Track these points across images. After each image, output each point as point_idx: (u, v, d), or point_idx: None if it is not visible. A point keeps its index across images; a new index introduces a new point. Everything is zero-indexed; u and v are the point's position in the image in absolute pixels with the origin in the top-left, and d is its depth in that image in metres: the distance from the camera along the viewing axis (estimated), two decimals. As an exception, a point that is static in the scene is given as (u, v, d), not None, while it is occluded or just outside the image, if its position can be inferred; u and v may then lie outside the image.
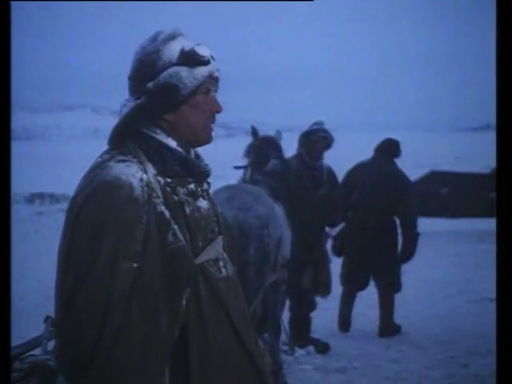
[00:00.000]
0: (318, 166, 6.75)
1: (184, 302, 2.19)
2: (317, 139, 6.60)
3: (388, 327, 7.37)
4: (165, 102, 2.26)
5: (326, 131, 6.66)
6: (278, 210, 5.45)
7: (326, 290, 6.72)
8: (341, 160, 13.84)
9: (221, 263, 2.36)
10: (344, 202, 7.36)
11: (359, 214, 7.44)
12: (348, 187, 7.46)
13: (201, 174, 2.33)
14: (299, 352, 6.53)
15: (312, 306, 6.80)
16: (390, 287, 7.48)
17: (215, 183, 2.52)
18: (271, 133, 5.95)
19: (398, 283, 7.52)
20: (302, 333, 6.75)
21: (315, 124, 6.69)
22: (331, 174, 6.91)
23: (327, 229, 6.91)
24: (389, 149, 7.63)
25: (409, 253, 7.40)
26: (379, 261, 7.38)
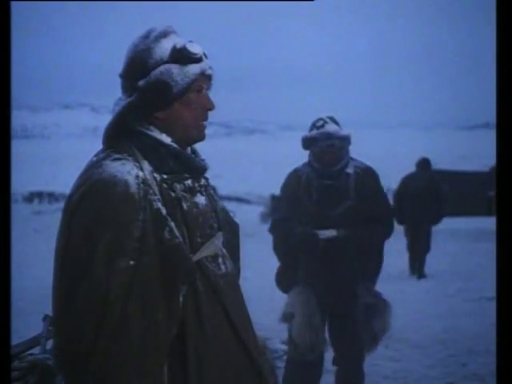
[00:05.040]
0: (335, 172, 4.66)
1: (181, 299, 2.19)
2: (320, 150, 4.64)
3: (422, 273, 11.86)
4: (156, 100, 2.25)
5: (329, 137, 4.59)
6: None
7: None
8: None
9: (220, 259, 2.35)
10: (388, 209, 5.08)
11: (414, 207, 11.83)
12: (401, 194, 12.12)
13: (196, 169, 2.32)
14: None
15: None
16: (426, 250, 12.12)
17: (214, 182, 2.52)
18: None
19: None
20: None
21: (314, 126, 4.67)
22: (365, 179, 4.69)
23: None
24: (426, 164, 12.27)
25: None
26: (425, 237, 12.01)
